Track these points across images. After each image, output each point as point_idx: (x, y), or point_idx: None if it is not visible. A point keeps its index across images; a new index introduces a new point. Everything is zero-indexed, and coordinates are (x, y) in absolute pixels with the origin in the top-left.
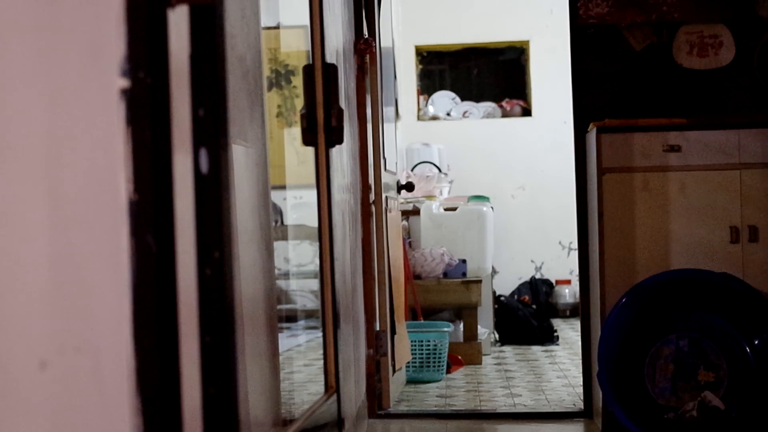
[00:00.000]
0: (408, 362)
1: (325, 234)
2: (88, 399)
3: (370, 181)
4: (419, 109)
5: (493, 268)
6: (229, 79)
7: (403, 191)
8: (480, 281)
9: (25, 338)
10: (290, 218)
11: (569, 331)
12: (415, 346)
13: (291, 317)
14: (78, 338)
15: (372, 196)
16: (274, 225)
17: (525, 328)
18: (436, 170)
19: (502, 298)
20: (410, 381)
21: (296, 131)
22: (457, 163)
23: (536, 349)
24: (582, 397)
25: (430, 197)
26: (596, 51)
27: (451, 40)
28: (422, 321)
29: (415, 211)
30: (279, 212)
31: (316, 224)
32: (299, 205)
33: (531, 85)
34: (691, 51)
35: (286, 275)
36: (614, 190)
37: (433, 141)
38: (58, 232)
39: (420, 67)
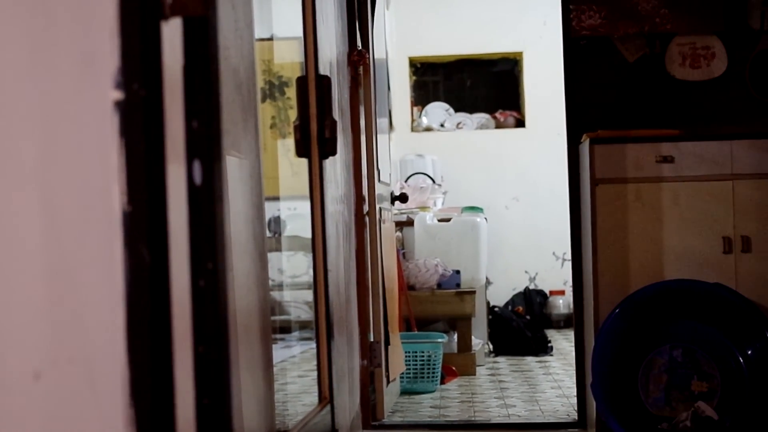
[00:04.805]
0: (402, 373)
1: (318, 245)
2: (82, 410)
3: (363, 192)
4: (413, 121)
5: (487, 278)
6: (223, 91)
7: (397, 202)
8: (474, 292)
9: (19, 349)
10: (284, 229)
11: (563, 342)
12: (409, 356)
13: (285, 328)
14: (72, 349)
15: (366, 207)
16: (274, 237)
17: (519, 338)
18: (430, 181)
19: (496, 309)
20: (404, 392)
21: (290, 142)
22: (451, 174)
23: (530, 360)
24: (576, 408)
25: (423, 208)
26: (589, 62)
27: (445, 51)
28: (416, 332)
29: (409, 222)
30: (281, 225)
31: (310, 235)
32: (293, 216)
33: (524, 97)
34: (683, 62)
35: (280, 286)
36: (607, 201)
37: (427, 152)
38: (52, 243)
39: (414, 78)
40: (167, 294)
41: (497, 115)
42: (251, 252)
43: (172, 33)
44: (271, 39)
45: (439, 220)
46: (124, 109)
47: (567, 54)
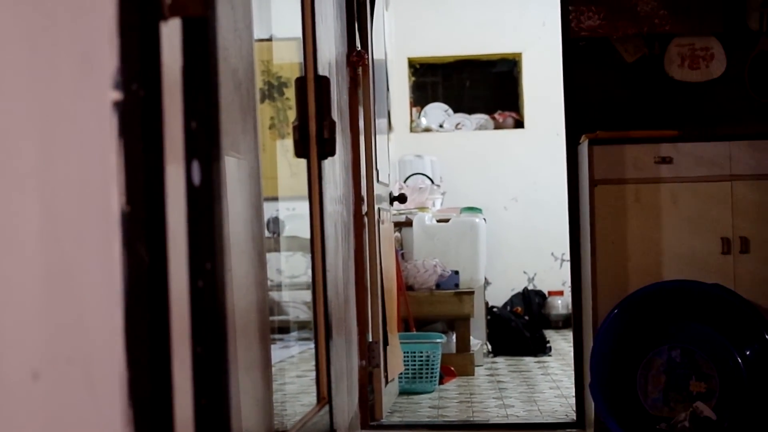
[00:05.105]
0: (400, 373)
1: (317, 245)
2: (81, 410)
3: (362, 193)
4: (412, 121)
5: (485, 279)
6: (222, 92)
7: (396, 203)
8: (472, 292)
9: (18, 349)
10: (283, 229)
11: (562, 342)
12: (408, 357)
13: (284, 328)
14: (70, 349)
15: (365, 208)
16: (273, 237)
17: (518, 339)
18: (429, 182)
19: (495, 310)
20: (403, 392)
21: (289, 143)
22: (450, 175)
23: (529, 360)
24: (574, 408)
25: (422, 209)
26: (588, 63)
27: (444, 52)
28: (415, 332)
29: (408, 223)
30: (279, 225)
31: (308, 236)
32: (292, 217)
33: (523, 97)
34: (682, 63)
35: (278, 286)
36: (606, 201)
37: (426, 153)
38: (50, 244)
39: (413, 79)
40: (166, 294)
41: (496, 115)
42: (250, 252)
43: (171, 33)
44: (270, 39)
45: (438, 221)
46: (122, 109)
47: (566, 55)
